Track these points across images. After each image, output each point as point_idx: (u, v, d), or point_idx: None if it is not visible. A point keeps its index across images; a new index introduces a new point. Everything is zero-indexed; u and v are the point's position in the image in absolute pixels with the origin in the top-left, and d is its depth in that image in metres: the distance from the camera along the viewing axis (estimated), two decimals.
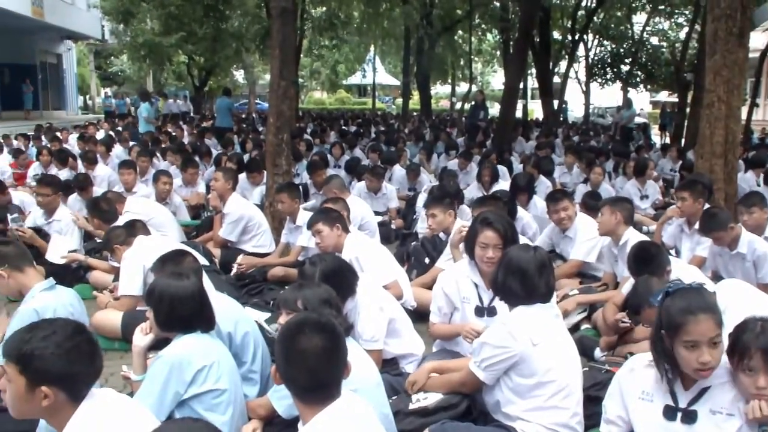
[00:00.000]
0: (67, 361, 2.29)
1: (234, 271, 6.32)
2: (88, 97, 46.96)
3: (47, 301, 3.67)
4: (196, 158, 10.67)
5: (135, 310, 4.89)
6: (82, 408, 2.34)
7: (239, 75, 47.40)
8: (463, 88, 39.06)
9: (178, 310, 3.15)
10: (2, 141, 14.22)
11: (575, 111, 39.34)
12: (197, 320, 3.18)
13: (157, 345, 3.42)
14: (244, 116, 29.92)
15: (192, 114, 30.66)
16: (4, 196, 8.09)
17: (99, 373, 2.46)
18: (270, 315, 5.05)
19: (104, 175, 9.78)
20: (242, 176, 9.57)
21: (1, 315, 4.16)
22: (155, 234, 5.80)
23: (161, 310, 3.16)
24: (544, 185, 9.23)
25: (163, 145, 14.31)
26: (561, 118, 27.26)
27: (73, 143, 14.79)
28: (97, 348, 2.44)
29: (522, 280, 3.24)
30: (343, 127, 21.26)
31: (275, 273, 6.29)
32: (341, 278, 3.73)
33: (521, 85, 20.60)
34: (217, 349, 3.21)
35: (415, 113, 31.26)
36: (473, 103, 19.30)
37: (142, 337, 3.37)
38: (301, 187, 8.50)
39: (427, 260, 6.11)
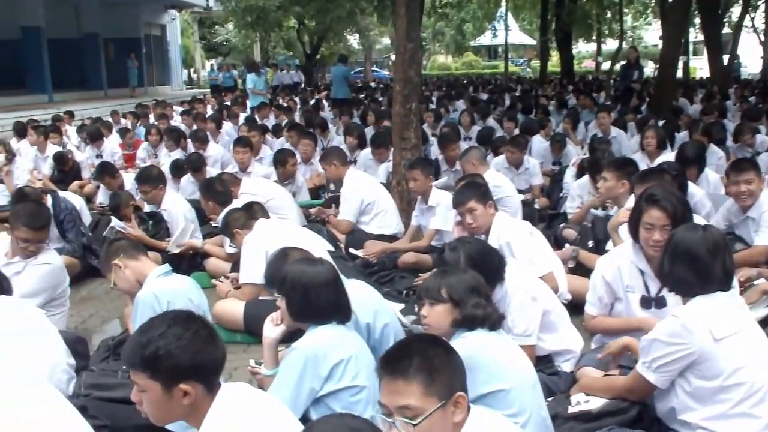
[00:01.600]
0: (193, 350, 2.39)
1: (360, 256, 6.44)
2: (192, 70, 48.97)
3: (164, 286, 3.88)
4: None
5: (258, 299, 5.08)
6: (217, 401, 2.44)
7: (353, 40, 47.98)
8: (610, 45, 37.90)
9: (313, 299, 3.23)
10: (111, 120, 15.04)
11: (750, 67, 37.28)
12: (333, 310, 3.26)
13: (289, 337, 3.54)
14: (360, 85, 30.31)
15: (303, 85, 31.37)
16: (115, 180, 8.60)
17: (225, 359, 2.56)
18: (404, 305, 5.12)
19: (216, 155, 10.18)
20: (365, 152, 9.72)
21: (126, 308, 4.41)
22: (273, 217, 6.01)
23: (294, 299, 3.26)
24: (715, 156, 8.79)
25: (276, 120, 14.77)
26: (732, 76, 25.92)
27: (177, 120, 15.50)
28: (215, 332, 2.54)
29: (692, 264, 3.09)
30: (473, 94, 21.13)
31: (406, 259, 6.35)
32: (488, 263, 3.69)
33: (682, 39, 19.74)
34: (355, 342, 3.28)
35: (554, 76, 30.63)
36: (625, 62, 18.69)
37: (273, 328, 3.48)
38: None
39: (590, 243, 6.00)
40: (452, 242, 4.00)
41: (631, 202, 5.10)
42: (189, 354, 2.38)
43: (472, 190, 5.08)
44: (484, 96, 21.01)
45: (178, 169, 8.87)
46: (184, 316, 2.50)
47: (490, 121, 13.40)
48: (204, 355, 2.41)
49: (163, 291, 3.82)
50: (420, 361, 2.31)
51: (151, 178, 7.06)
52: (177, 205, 6.94)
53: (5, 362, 3.18)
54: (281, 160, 8.33)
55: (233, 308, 5.11)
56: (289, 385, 3.15)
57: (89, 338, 5.19)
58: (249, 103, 17.47)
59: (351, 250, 6.62)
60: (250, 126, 11.64)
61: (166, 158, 10.47)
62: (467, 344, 2.95)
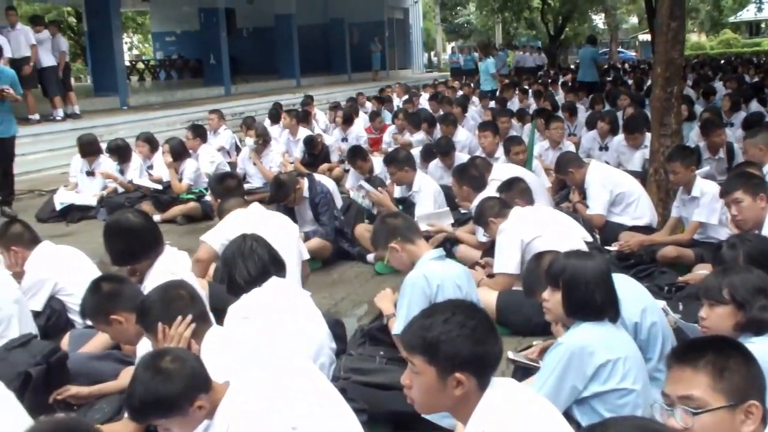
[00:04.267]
0: (473, 342, 2.39)
1: (615, 249, 6.25)
2: (432, 53, 49.89)
3: (436, 269, 3.98)
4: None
5: (512, 290, 5.08)
6: (487, 396, 2.44)
7: (599, 20, 46.58)
8: None
9: (589, 294, 3.17)
10: (358, 105, 15.68)
11: None
12: (606, 307, 3.18)
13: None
14: (605, 67, 29.34)
15: (546, 68, 30.92)
16: (366, 163, 8.93)
17: (501, 355, 2.57)
18: (665, 303, 4.89)
19: (464, 140, 10.29)
20: (618, 138, 9.43)
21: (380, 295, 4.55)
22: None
23: (573, 293, 3.21)
24: None
25: (520, 104, 14.68)
26: None
27: (424, 104, 15.84)
28: (494, 326, 2.54)
29: None
30: (734, 75, 19.72)
31: (666, 253, 6.07)
32: None
33: None
34: (625, 342, 3.18)
35: None
36: None
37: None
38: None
39: None
40: (731, 238, 3.80)
41: None
42: (470, 344, 2.39)
43: (741, 180, 4.88)
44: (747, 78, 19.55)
45: (428, 153, 9.07)
46: (468, 305, 2.53)
47: (754, 105, 12.43)
48: (484, 347, 2.42)
49: (433, 274, 3.92)
50: (713, 356, 2.22)
51: (397, 159, 7.34)
52: (428, 186, 7.13)
53: (277, 339, 3.39)
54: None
55: (486, 298, 5.11)
56: (549, 381, 3.11)
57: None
58: (482, 86, 17.48)
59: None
60: (498, 111, 11.62)
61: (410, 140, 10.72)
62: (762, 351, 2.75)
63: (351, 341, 4.60)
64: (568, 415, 3.11)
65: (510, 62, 30.18)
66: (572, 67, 30.34)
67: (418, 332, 2.45)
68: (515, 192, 5.85)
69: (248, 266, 3.89)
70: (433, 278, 3.90)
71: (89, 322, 4.47)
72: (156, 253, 4.42)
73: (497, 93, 15.78)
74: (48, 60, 14.40)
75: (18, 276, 4.88)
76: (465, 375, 2.39)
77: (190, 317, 3.21)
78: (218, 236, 5.03)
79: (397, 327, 3.92)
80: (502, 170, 7.06)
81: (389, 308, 4.22)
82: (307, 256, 5.41)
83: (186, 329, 3.18)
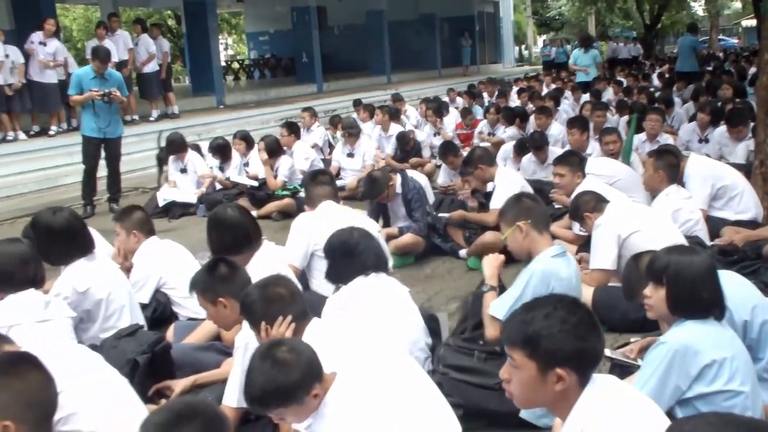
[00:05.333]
0: (576, 337, 2.37)
1: (717, 245, 6.05)
2: (523, 46, 49.32)
3: (556, 269, 3.90)
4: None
5: (608, 286, 4.98)
6: (587, 393, 2.40)
7: (698, 6, 45.13)
8: None
9: (696, 291, 3.08)
10: (447, 99, 15.65)
11: None
12: (712, 304, 3.08)
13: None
14: (705, 55, 28.44)
15: (641, 58, 30.19)
16: (458, 159, 8.88)
17: (603, 352, 2.51)
18: None
19: (557, 134, 10.14)
20: (719, 130, 9.10)
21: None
22: (622, 198, 5.85)
23: (678, 290, 3.12)
24: None
25: (615, 96, 14.39)
26: None
27: (513, 99, 15.69)
28: (598, 323, 2.49)
29: None
30: None
31: None
32: None
33: None
34: (732, 341, 3.06)
35: None
36: None
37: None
38: None
39: None
40: None
41: None
42: (572, 340, 2.37)
43: None
44: None
45: (521, 147, 8.97)
46: (570, 301, 2.50)
47: None
48: (587, 344, 2.39)
49: (551, 274, 3.85)
50: None
51: (471, 160, 7.34)
52: (505, 182, 7.01)
53: (374, 332, 3.41)
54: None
55: (581, 294, 5.05)
56: (651, 380, 3.04)
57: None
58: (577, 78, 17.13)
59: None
60: (595, 105, 11.39)
61: (502, 137, 10.63)
62: None
63: (452, 331, 4.60)
64: (670, 415, 3.03)
65: (604, 54, 29.56)
66: (670, 57, 29.49)
67: (519, 326, 2.44)
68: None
69: (363, 257, 3.98)
70: (550, 276, 3.83)
71: (192, 315, 4.64)
72: (254, 246, 4.58)
73: (590, 86, 15.44)
74: (149, 63, 14.90)
75: (125, 270, 5.09)
76: (566, 371, 2.37)
77: (290, 318, 3.26)
78: (296, 253, 5.19)
79: (494, 307, 3.90)
80: (596, 164, 6.93)
81: (492, 277, 4.14)
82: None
83: (286, 329, 3.23)
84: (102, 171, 9.75)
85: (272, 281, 3.43)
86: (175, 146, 9.86)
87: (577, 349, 2.37)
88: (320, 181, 5.72)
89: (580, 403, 2.40)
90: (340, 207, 5.58)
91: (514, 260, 4.56)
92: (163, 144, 11.06)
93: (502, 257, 4.25)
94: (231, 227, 4.59)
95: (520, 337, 2.41)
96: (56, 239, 4.47)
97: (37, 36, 12.99)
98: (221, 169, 9.89)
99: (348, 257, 4.04)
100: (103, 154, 9.56)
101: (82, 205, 9.61)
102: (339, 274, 4.07)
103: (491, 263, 4.20)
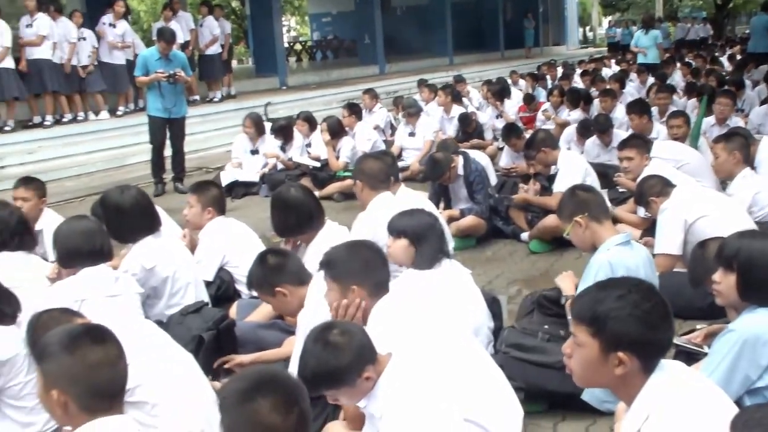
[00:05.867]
0: (645, 324, 2.31)
1: None
2: (588, 28, 48.48)
3: (622, 256, 3.84)
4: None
5: (673, 271, 4.89)
6: (654, 381, 2.35)
7: None
8: None
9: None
10: (510, 81, 15.47)
11: None
12: None
13: None
14: None
15: (711, 40, 29.41)
16: (520, 141, 8.81)
17: (671, 342, 2.46)
18: None
19: (622, 117, 9.93)
20: None
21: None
22: (690, 181, 5.74)
23: (751, 276, 3.02)
24: None
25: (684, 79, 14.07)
26: None
27: (577, 81, 15.43)
28: (670, 313, 2.43)
29: None
30: None
31: None
32: None
33: None
34: None
35: None
36: None
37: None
38: None
39: None
40: None
41: None
42: (641, 326, 2.31)
43: None
44: None
45: (585, 129, 8.84)
46: (646, 286, 2.44)
47: None
48: (656, 333, 2.34)
49: (619, 262, 3.79)
50: None
51: (534, 142, 7.28)
52: (568, 164, 6.88)
53: (439, 315, 3.41)
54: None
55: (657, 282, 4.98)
56: (719, 369, 2.98)
57: None
58: (639, 59, 16.72)
59: None
60: (659, 87, 11.15)
61: (567, 119, 10.47)
62: None
63: (520, 310, 4.60)
64: (739, 405, 2.97)
65: (672, 35, 28.91)
66: (741, 37, 28.64)
67: (589, 303, 2.39)
68: None
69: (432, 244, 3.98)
70: (618, 266, 3.76)
71: (255, 293, 4.70)
72: (317, 226, 4.64)
73: (657, 68, 15.07)
74: (213, 45, 15.08)
75: (189, 247, 5.18)
76: (628, 355, 2.31)
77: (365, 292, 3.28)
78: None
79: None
80: (662, 148, 6.78)
81: (570, 288, 4.13)
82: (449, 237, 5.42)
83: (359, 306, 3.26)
84: (167, 151, 9.92)
85: (366, 244, 3.48)
86: (283, 130, 9.97)
87: (645, 337, 2.31)
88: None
89: (647, 389, 2.34)
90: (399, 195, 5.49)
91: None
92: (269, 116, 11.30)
93: (571, 273, 4.31)
94: (294, 207, 4.65)
95: (588, 314, 2.37)
96: (124, 217, 4.58)
97: (107, 18, 13.27)
98: (283, 149, 9.96)
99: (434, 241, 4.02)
100: (168, 133, 9.72)
101: (153, 183, 9.83)
102: (430, 259, 3.99)
103: (567, 277, 4.24)
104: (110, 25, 13.21)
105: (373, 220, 4.87)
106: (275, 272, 3.80)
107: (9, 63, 11.60)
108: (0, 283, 3.64)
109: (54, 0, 12.97)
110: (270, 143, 9.94)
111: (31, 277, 4.34)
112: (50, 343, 2.47)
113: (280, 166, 9.81)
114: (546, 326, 3.98)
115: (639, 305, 2.33)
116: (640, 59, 15.94)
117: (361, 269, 3.33)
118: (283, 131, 10.04)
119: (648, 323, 2.32)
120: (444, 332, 3.17)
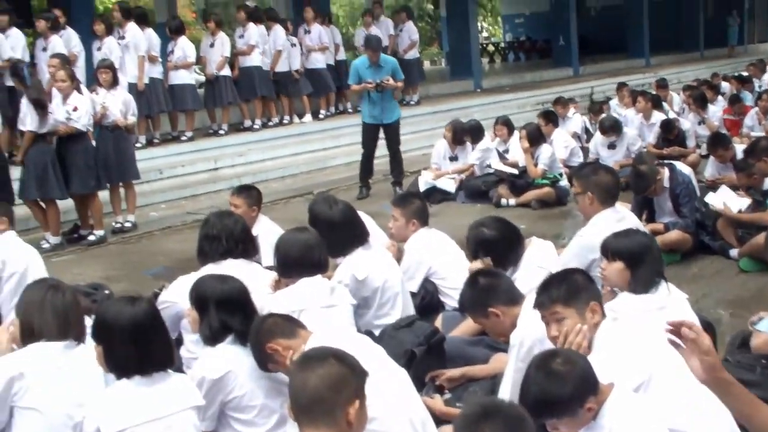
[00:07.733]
0: None
1: None
2: None
3: None
4: None
5: None
6: None
7: None
8: None
9: None
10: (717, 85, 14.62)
11: None
12: None
13: None
14: None
15: None
16: (728, 152, 8.38)
17: None
18: None
19: None
20: None
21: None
22: None
23: None
24: None
25: None
26: None
27: None
28: None
29: None
30: None
31: None
32: None
33: None
34: None
35: None
36: None
37: None
38: None
39: None
40: None
41: None
42: None
43: None
44: None
45: None
46: None
47: None
48: None
49: None
50: None
51: (756, 150, 6.92)
52: None
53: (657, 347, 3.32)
54: None
55: None
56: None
57: None
58: None
59: None
60: None
61: None
62: None
63: (732, 339, 4.39)
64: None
65: None
66: None
67: None
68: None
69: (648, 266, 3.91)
70: None
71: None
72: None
73: None
74: (411, 50, 15.40)
75: (396, 258, 5.30)
76: None
77: (585, 327, 3.19)
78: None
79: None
80: None
81: None
82: None
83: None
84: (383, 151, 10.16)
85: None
86: (457, 136, 10.06)
87: None
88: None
89: None
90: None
91: None
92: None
93: None
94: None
95: None
96: (336, 231, 4.73)
97: (303, 25, 13.95)
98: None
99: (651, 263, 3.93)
100: (383, 136, 9.94)
101: (359, 186, 10.10)
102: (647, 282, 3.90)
103: None
104: (306, 31, 13.85)
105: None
106: (487, 293, 3.80)
107: (226, 71, 12.42)
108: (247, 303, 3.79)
109: (268, 9, 13.69)
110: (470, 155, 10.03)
111: (254, 286, 4.59)
112: None
113: (477, 172, 9.84)
114: (764, 360, 3.78)
115: None
116: None
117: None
118: (473, 132, 10.09)
119: None
120: (666, 362, 3.08)
